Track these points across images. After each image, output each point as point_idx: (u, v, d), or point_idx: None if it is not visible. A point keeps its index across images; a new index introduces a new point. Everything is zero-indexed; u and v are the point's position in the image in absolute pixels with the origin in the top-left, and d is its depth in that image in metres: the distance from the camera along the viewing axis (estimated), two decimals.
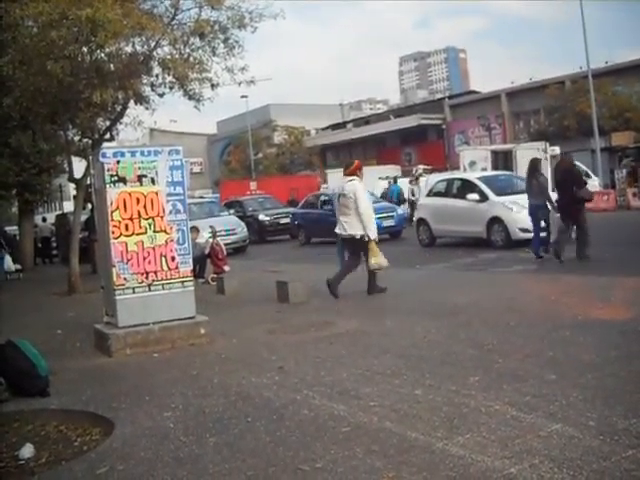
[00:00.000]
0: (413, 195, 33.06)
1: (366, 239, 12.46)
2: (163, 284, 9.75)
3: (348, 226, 12.69)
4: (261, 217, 32.38)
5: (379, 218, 25.50)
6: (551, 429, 5.13)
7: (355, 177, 12.88)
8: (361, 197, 12.60)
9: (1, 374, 7.79)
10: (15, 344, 8.03)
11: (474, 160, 34.61)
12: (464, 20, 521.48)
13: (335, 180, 42.93)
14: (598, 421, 5.20)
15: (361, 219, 12.48)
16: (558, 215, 15.40)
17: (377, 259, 12.43)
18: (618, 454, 4.58)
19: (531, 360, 7.13)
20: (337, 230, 13.21)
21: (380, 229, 25.64)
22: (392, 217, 26.05)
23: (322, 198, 29.27)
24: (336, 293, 12.73)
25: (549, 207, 15.75)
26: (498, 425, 5.32)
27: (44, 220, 38.66)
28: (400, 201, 32.68)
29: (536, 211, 16.09)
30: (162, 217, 9.75)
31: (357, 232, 12.55)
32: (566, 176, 15.28)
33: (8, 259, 25.65)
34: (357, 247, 12.82)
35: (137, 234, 9.62)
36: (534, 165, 16.49)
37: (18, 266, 25.96)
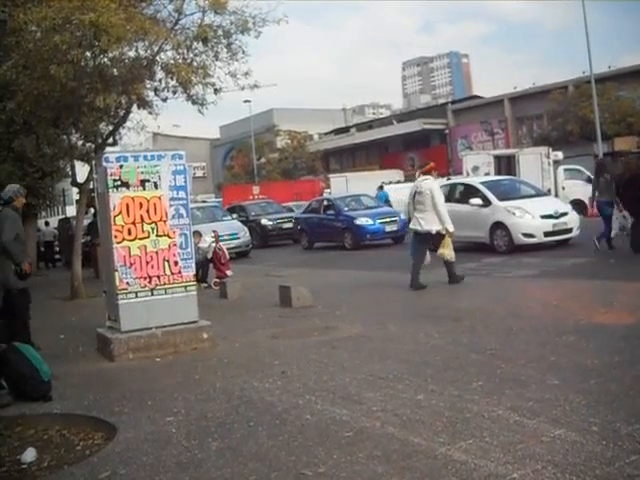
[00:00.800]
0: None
1: (443, 232, 13.24)
2: (166, 288, 9.75)
3: (424, 222, 13.36)
4: (264, 222, 32.38)
5: (382, 223, 25.72)
6: (554, 434, 5.12)
7: (430, 176, 13.71)
8: (437, 194, 13.35)
9: (3, 378, 7.80)
10: (17, 348, 8.03)
11: (477, 165, 34.59)
12: (467, 25, 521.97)
13: (338, 185, 43.15)
14: (601, 426, 5.19)
15: (438, 214, 13.18)
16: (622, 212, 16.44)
17: (446, 250, 13.25)
18: (621, 459, 4.57)
19: (534, 365, 7.12)
20: (412, 226, 13.83)
21: (383, 234, 25.96)
22: (395, 222, 26.05)
23: (325, 203, 29.29)
24: (421, 285, 13.45)
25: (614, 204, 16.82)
26: (501, 430, 5.31)
27: (47, 224, 38.67)
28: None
29: (604, 207, 17.17)
30: (165, 221, 9.75)
31: (433, 227, 13.28)
32: (634, 177, 16.43)
33: None
34: (431, 241, 13.53)
35: (140, 238, 9.63)
36: (602, 165, 18.05)
37: None
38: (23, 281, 9.92)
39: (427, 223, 13.35)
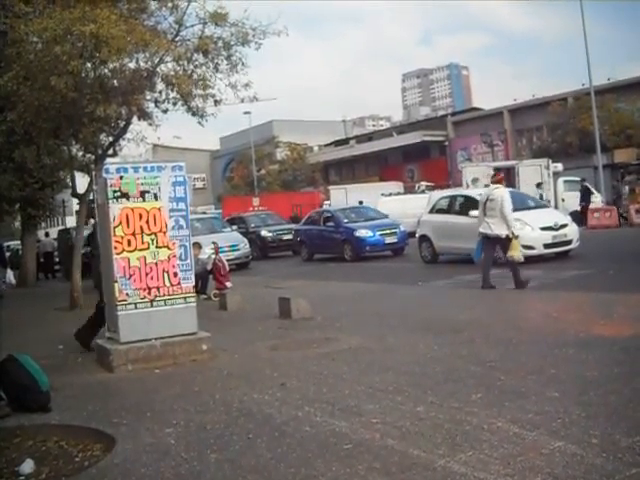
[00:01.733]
0: None
1: (510, 236, 14.13)
2: (165, 300, 9.74)
3: (495, 227, 14.31)
4: (263, 233, 32.41)
5: (382, 234, 25.71)
6: (554, 447, 5.11)
7: (500, 185, 14.89)
8: (507, 201, 14.35)
9: (2, 389, 7.78)
10: (16, 359, 8.02)
11: (477, 177, 34.66)
12: (466, 37, 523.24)
13: (338, 196, 43.20)
14: (601, 439, 5.18)
15: (506, 220, 14.18)
16: None
17: (515, 252, 14.09)
18: (622, 472, 4.56)
19: (533, 377, 7.11)
20: (482, 229, 14.66)
21: (383, 246, 25.96)
22: (395, 234, 26.05)
23: (325, 215, 29.28)
24: (491, 285, 14.26)
25: None
26: (500, 442, 5.30)
27: (47, 235, 38.69)
28: None
29: None
30: (165, 233, 9.75)
31: (502, 232, 14.19)
32: None
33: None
34: (499, 244, 14.55)
35: (139, 250, 9.62)
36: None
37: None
38: None
39: (497, 227, 14.28)
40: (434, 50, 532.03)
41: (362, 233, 25.86)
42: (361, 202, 34.89)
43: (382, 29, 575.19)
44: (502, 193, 14.55)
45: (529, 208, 20.16)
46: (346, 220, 27.44)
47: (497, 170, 16.19)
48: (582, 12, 37.09)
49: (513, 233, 14.22)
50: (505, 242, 14.25)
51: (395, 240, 25.99)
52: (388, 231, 26.13)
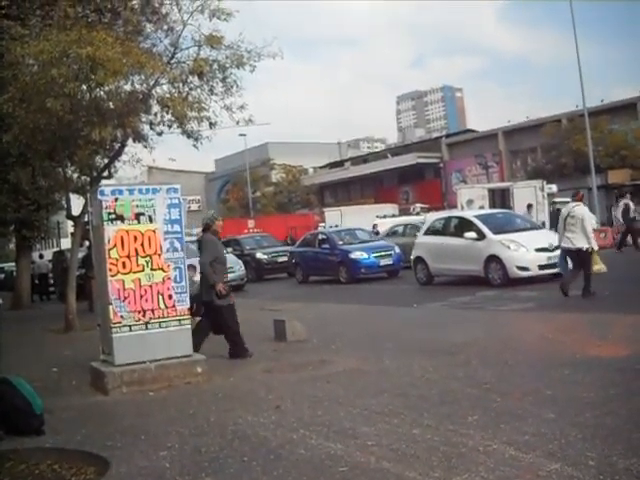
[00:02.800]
0: None
1: (590, 250, 15.06)
2: (160, 322, 9.72)
3: (575, 241, 15.19)
4: (259, 255, 32.38)
5: (377, 257, 25.70)
6: (550, 469, 5.09)
7: (580, 203, 15.77)
8: (587, 218, 15.36)
9: None
10: (10, 381, 7.97)
11: (471, 198, 34.69)
12: (460, 59, 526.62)
13: (333, 218, 43.22)
14: (598, 460, 5.16)
15: (586, 235, 15.11)
16: None
17: (599, 265, 15.14)
18: None
19: (530, 399, 7.10)
20: (564, 244, 15.56)
21: (378, 268, 25.94)
22: (390, 256, 26.05)
23: (320, 237, 29.27)
24: (567, 292, 15.14)
25: None
26: (497, 465, 5.27)
27: (41, 257, 38.62)
28: None
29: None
30: (159, 255, 9.75)
31: (583, 245, 15.06)
32: None
33: None
34: (579, 257, 15.28)
35: (134, 272, 9.62)
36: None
37: None
38: (224, 299, 11.53)
39: (578, 242, 15.14)
40: (427, 72, 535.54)
41: (357, 255, 25.85)
42: (336, 225, 35.30)
43: (376, 52, 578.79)
44: (583, 210, 15.50)
45: (524, 229, 20.20)
46: (341, 242, 27.44)
47: (577, 190, 18.02)
48: (575, 35, 37.35)
49: (593, 248, 15.15)
50: (585, 255, 15.10)
51: (390, 262, 25.98)
52: (383, 253, 26.12)
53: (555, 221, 28.33)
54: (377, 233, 32.58)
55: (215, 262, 11.60)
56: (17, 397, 7.74)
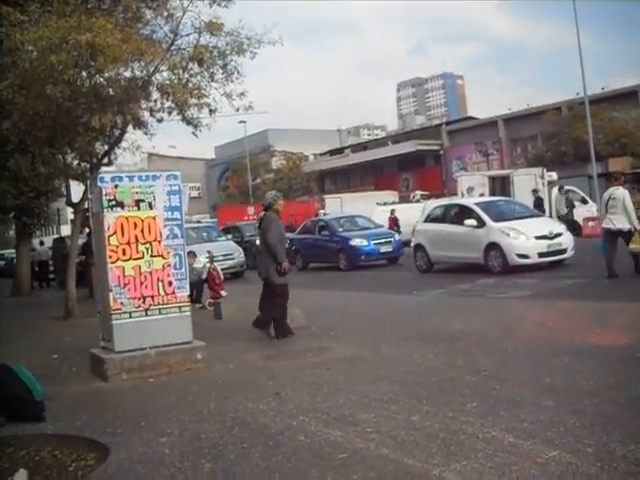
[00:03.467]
0: None
1: (632, 230, 15.69)
2: (160, 309, 9.73)
3: (617, 222, 15.86)
4: (258, 242, 32.28)
5: (377, 244, 25.72)
6: (549, 456, 5.10)
7: (620, 186, 16.32)
8: (627, 199, 15.90)
9: None
10: (11, 368, 7.99)
11: (472, 186, 34.70)
12: (460, 47, 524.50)
13: (333, 205, 43.20)
14: (596, 448, 5.17)
15: (628, 215, 15.77)
16: None
17: (636, 245, 15.72)
18: None
19: (529, 386, 7.11)
20: (605, 225, 16.22)
21: (378, 255, 25.97)
22: (390, 243, 26.06)
23: (320, 224, 29.26)
24: (615, 274, 15.59)
25: None
26: (495, 452, 5.29)
27: (42, 244, 38.61)
28: None
29: None
30: (159, 242, 9.75)
31: (625, 225, 15.76)
32: None
33: None
34: (621, 236, 15.95)
35: (134, 259, 9.61)
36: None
37: None
38: (283, 278, 11.91)
39: (619, 222, 15.81)
40: (428, 60, 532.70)
41: (357, 242, 25.87)
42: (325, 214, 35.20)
43: (376, 39, 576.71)
44: (623, 193, 16.05)
45: (524, 217, 20.20)
46: (341, 229, 27.43)
47: (620, 174, 18.43)
48: (576, 22, 37.22)
49: (635, 227, 15.73)
50: (627, 235, 15.77)
51: (390, 249, 26.00)
52: (383, 240, 26.14)
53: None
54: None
55: (278, 241, 11.98)
56: (17, 384, 7.75)
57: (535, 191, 31.86)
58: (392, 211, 35.35)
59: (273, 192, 12.93)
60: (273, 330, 11.97)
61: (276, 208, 12.26)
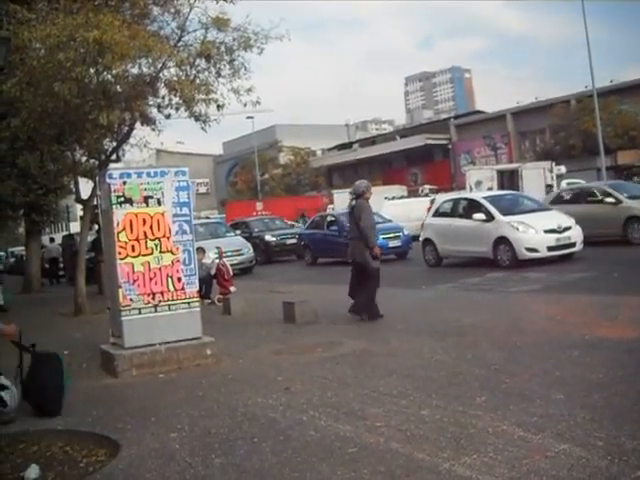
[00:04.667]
0: None
1: None
2: (169, 305, 9.75)
3: None
4: (267, 238, 32.37)
5: (385, 238, 25.66)
6: (558, 449, 5.10)
7: None
8: None
9: (31, 382, 7.80)
10: (60, 359, 8.13)
11: (480, 180, 34.63)
12: (467, 40, 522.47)
13: (341, 200, 43.14)
14: (606, 441, 5.17)
15: None
16: None
17: None
18: (627, 475, 4.56)
19: (538, 380, 7.11)
20: None
21: (386, 249, 25.91)
22: (399, 237, 26.01)
23: (329, 219, 29.23)
24: None
25: None
26: (505, 445, 5.29)
27: (52, 240, 38.70)
28: None
29: None
30: (168, 238, 9.77)
31: None
32: None
33: None
34: None
35: (143, 255, 9.64)
36: None
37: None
38: (377, 262, 12.65)
39: None
40: (436, 54, 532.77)
41: None
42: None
43: (383, 33, 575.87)
44: None
45: (533, 211, 20.13)
46: (349, 224, 27.34)
47: None
48: (584, 14, 37.12)
49: None
50: None
51: (399, 244, 25.94)
52: (392, 235, 26.06)
53: None
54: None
55: (371, 227, 12.74)
56: (57, 375, 7.87)
57: (549, 186, 31.81)
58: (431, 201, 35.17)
59: (365, 181, 13.49)
60: (364, 315, 12.40)
61: (367, 197, 12.96)
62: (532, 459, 4.97)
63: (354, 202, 13.05)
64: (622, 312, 10.56)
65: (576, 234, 18.86)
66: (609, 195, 21.49)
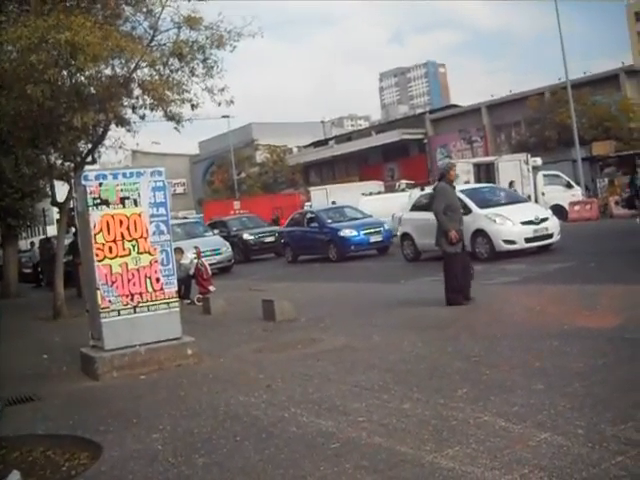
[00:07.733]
0: None
1: None
2: (148, 305, 9.71)
3: None
4: (245, 236, 32.37)
5: (366, 234, 25.71)
6: (540, 438, 5.13)
7: None
8: None
9: None
10: None
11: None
12: (439, 35, 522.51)
13: (319, 197, 43.15)
14: (587, 429, 5.21)
15: None
16: None
17: None
18: (607, 461, 4.59)
19: (518, 370, 7.15)
20: None
21: (367, 245, 25.97)
22: (379, 232, 26.06)
23: (308, 215, 29.24)
24: None
25: None
26: (487, 436, 5.32)
27: (32, 245, 38.42)
28: None
29: None
30: (146, 238, 9.73)
31: None
32: None
33: None
34: None
35: (121, 256, 9.59)
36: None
37: None
38: (453, 247, 12.21)
39: None
40: (408, 49, 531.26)
41: (346, 233, 25.82)
42: (334, 202, 34.94)
43: (356, 29, 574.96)
44: None
45: (509, 203, 20.24)
46: (330, 220, 27.39)
47: None
48: (556, 7, 37.33)
49: None
50: None
51: (380, 239, 25.99)
52: (372, 230, 26.11)
53: None
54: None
55: (448, 210, 12.33)
56: None
57: (511, 183, 31.66)
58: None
59: (447, 161, 13.64)
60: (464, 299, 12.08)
61: (448, 178, 12.78)
62: (514, 449, 4.99)
63: (436, 184, 13.05)
64: (601, 301, 10.64)
65: (553, 225, 18.99)
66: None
